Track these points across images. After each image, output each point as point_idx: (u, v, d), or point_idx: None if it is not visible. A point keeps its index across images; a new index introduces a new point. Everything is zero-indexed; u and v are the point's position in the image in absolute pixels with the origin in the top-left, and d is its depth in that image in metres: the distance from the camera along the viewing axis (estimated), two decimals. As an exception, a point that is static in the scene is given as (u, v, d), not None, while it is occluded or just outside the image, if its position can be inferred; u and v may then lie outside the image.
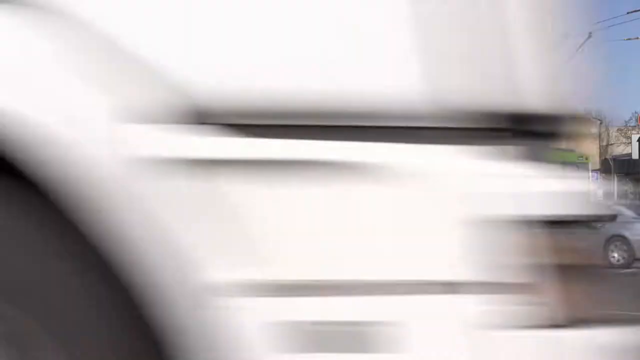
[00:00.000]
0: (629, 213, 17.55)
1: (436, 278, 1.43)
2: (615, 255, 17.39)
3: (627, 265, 17.17)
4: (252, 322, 1.42)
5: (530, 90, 1.53)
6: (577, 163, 29.53)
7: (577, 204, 1.53)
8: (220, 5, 1.46)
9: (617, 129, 79.48)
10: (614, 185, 43.39)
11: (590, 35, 1.76)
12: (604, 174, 45.25)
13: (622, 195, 43.68)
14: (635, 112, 71.31)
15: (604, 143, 79.31)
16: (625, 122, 73.23)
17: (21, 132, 1.41)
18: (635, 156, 28.84)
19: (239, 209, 1.43)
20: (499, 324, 1.43)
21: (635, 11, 26.15)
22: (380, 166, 1.44)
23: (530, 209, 1.46)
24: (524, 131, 1.53)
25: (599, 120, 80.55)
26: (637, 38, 30.07)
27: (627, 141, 61.49)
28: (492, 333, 1.43)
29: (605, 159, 53.38)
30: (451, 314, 1.43)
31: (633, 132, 47.05)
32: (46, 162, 1.41)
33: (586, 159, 31.01)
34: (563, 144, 1.74)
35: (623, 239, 17.27)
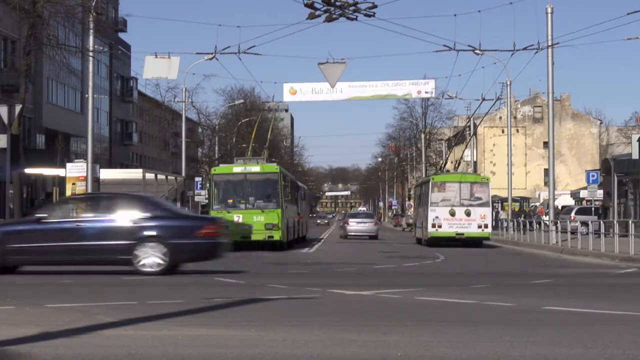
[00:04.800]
0: None
1: None
2: None
3: None
4: None
5: None
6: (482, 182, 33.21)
7: None
8: None
9: (617, 129, 79.49)
10: (614, 185, 43.40)
11: None
12: (604, 174, 45.33)
13: (622, 195, 43.79)
14: (636, 112, 71.49)
15: (604, 143, 78.95)
16: (625, 122, 73.46)
17: None
18: (635, 156, 28.79)
19: None
20: None
21: (636, 12, 26.13)
22: None
23: None
24: None
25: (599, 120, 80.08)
26: (637, 38, 30.03)
27: (627, 141, 61.66)
28: None
29: (606, 159, 53.48)
30: None
31: (633, 132, 46.88)
32: None
33: (487, 179, 34.82)
34: None
35: None
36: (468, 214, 32.62)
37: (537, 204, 64.92)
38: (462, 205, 32.85)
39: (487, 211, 33.46)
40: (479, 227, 32.73)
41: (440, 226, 32.81)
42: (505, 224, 41.55)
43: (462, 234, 32.91)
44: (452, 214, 32.67)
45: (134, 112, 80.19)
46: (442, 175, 36.05)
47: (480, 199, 33.38)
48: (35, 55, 32.56)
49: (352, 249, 32.27)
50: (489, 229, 33.28)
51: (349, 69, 30.12)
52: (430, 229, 33.05)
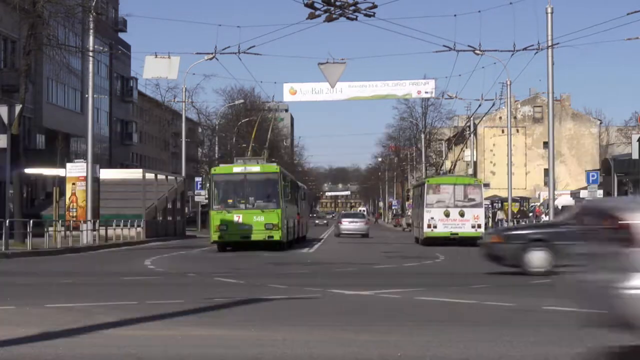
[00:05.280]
0: None
1: None
2: None
3: None
4: None
5: None
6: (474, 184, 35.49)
7: None
8: None
9: (617, 129, 79.52)
10: (614, 185, 43.44)
11: None
12: (604, 174, 45.31)
13: (622, 195, 43.82)
14: (636, 112, 71.41)
15: (604, 143, 78.89)
16: (625, 122, 73.43)
17: None
18: (635, 156, 28.80)
19: None
20: None
21: (636, 12, 26.13)
22: None
23: None
24: None
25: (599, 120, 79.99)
26: (637, 38, 30.03)
27: (627, 141, 61.63)
28: None
29: (605, 159, 53.45)
30: None
31: (633, 132, 46.86)
32: None
33: (479, 181, 36.89)
34: None
35: None
36: (462, 214, 33.95)
37: (537, 204, 64.93)
38: (456, 206, 34.16)
39: (480, 212, 34.73)
40: (473, 227, 33.73)
41: (435, 226, 33.98)
42: (505, 224, 41.94)
43: (457, 233, 33.92)
44: (447, 214, 33.98)
45: (134, 112, 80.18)
46: (436, 178, 38.44)
47: (473, 200, 34.54)
48: (35, 55, 32.49)
49: (352, 248, 32.26)
50: (482, 229, 33.86)
51: (349, 69, 30.13)
52: (425, 229, 34.26)
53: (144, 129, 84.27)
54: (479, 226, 33.85)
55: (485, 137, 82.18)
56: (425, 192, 34.97)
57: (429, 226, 34.09)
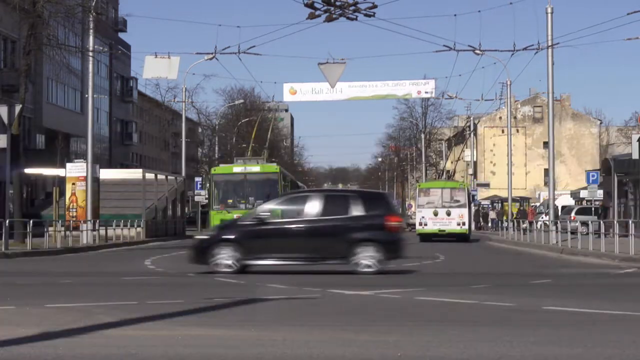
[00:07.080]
0: None
1: None
2: None
3: None
4: None
5: None
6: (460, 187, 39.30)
7: None
8: None
9: (617, 129, 79.46)
10: (614, 185, 43.41)
11: None
12: (604, 174, 45.30)
13: (622, 195, 43.77)
14: (636, 112, 71.42)
15: (604, 143, 78.77)
16: (625, 122, 73.43)
17: None
18: (635, 156, 28.79)
19: None
20: None
21: (636, 12, 26.13)
22: None
23: None
24: None
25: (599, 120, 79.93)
26: (637, 38, 30.03)
27: (627, 141, 61.62)
28: None
29: (605, 159, 53.44)
30: None
31: (633, 132, 46.90)
32: None
33: (464, 185, 41.76)
34: None
35: None
36: (448, 214, 38.61)
37: (538, 204, 64.93)
38: (443, 207, 38.83)
39: (465, 211, 39.10)
40: (458, 224, 38.55)
41: (426, 224, 38.86)
42: (498, 224, 44.44)
43: (444, 230, 38.70)
44: (436, 214, 38.73)
45: (134, 112, 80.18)
46: (426, 183, 45.86)
47: (458, 201, 39.06)
48: (35, 55, 32.50)
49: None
50: (467, 226, 38.99)
51: (349, 69, 30.14)
52: (417, 227, 39.51)
53: (144, 129, 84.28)
54: (464, 224, 38.63)
55: (485, 137, 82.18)
56: (417, 195, 40.23)
57: (420, 224, 39.09)
